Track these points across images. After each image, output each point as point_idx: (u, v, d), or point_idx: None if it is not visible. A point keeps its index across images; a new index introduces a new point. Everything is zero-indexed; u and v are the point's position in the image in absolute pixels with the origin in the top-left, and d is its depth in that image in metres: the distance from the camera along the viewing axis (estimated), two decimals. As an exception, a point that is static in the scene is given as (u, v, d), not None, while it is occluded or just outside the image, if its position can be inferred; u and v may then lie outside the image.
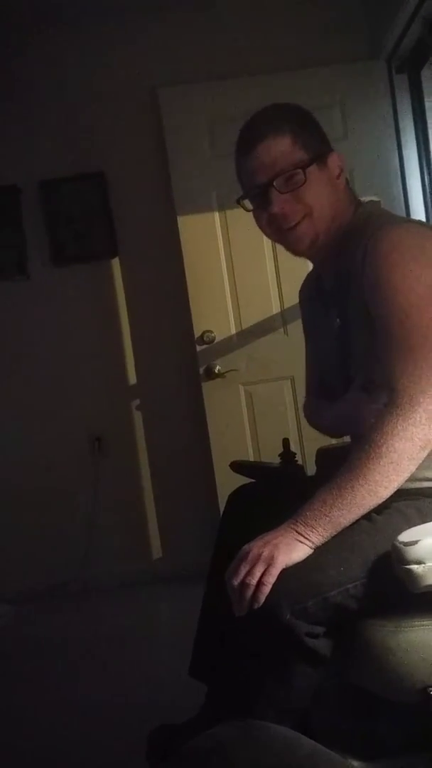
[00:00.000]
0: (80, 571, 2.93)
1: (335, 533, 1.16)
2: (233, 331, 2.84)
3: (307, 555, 1.15)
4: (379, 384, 1.25)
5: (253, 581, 1.11)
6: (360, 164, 2.73)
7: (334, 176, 1.34)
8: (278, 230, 1.35)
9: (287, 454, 1.74)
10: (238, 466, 1.77)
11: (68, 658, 2.39)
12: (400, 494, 1.21)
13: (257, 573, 1.12)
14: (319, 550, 1.16)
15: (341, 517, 1.15)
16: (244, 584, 1.12)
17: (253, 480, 1.69)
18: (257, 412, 2.86)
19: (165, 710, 1.65)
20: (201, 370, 2.84)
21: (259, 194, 1.32)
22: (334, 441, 1.79)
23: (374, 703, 1.19)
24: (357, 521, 1.19)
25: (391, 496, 1.19)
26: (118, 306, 3.01)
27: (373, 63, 2.78)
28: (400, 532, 1.15)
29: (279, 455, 1.74)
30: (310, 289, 1.53)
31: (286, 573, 1.13)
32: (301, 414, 2.80)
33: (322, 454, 1.73)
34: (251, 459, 2.78)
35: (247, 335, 2.85)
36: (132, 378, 3.04)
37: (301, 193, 1.30)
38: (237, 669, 1.23)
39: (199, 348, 2.83)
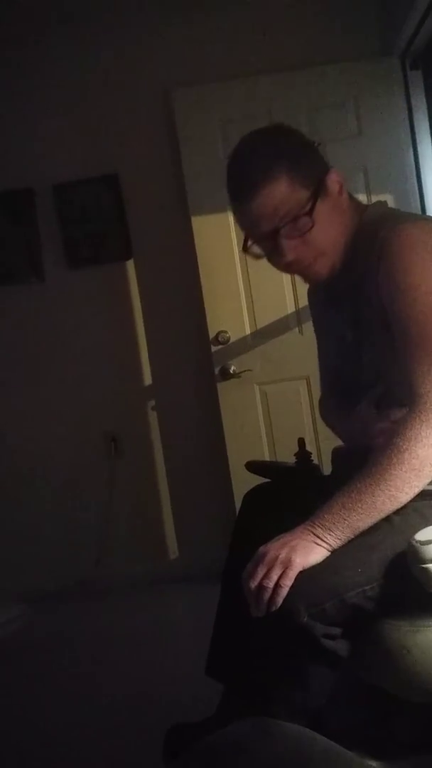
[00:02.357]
0: (96, 571, 2.94)
1: (353, 536, 1.15)
2: (248, 331, 2.83)
3: (324, 557, 1.14)
4: (390, 398, 1.24)
5: (271, 584, 1.11)
6: (374, 162, 2.72)
7: (336, 196, 1.29)
8: (296, 270, 1.33)
9: (303, 454, 1.73)
10: (253, 466, 1.76)
11: (84, 657, 2.40)
12: (419, 495, 1.20)
13: (274, 576, 1.11)
14: (336, 552, 1.15)
15: (360, 522, 1.14)
16: (261, 587, 1.12)
17: (268, 480, 1.69)
18: (272, 411, 2.86)
19: (181, 710, 1.65)
20: (216, 371, 2.83)
21: (266, 240, 1.29)
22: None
23: (390, 703, 1.18)
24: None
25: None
26: (132, 307, 3.02)
27: (387, 59, 2.76)
28: (417, 532, 1.14)
29: (294, 455, 1.74)
30: (320, 290, 1.52)
31: (304, 575, 1.12)
32: (317, 413, 2.80)
33: (338, 454, 1.72)
34: (266, 459, 2.78)
35: (262, 335, 2.84)
36: (147, 379, 3.05)
37: (312, 235, 1.26)
38: (253, 669, 1.23)
39: (213, 348, 2.82)
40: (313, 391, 2.84)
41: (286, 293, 2.82)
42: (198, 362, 2.93)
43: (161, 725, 1.56)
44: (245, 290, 2.82)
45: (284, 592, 1.11)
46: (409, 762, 1.14)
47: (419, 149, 2.79)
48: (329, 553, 1.14)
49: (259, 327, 2.84)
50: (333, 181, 1.29)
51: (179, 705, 1.85)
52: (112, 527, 2.98)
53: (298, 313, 2.82)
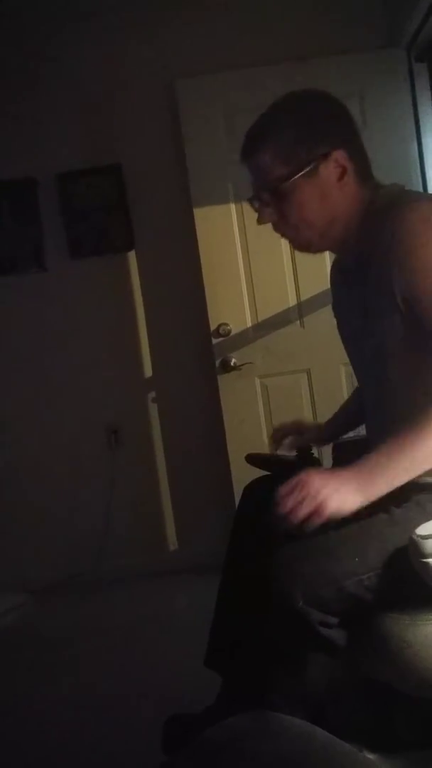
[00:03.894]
0: (96, 563, 2.95)
1: (388, 491, 1.14)
2: (249, 323, 2.83)
3: (356, 508, 1.13)
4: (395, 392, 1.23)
5: (296, 520, 1.10)
6: (378, 154, 2.68)
7: (334, 180, 1.30)
8: (279, 233, 1.39)
9: (303, 448, 1.73)
10: (253, 459, 1.76)
11: (84, 648, 2.41)
12: (421, 488, 1.20)
13: (304, 511, 1.10)
14: (334, 539, 1.15)
15: (399, 475, 1.14)
16: (291, 511, 1.11)
17: (267, 473, 1.69)
18: (273, 404, 2.85)
19: (180, 701, 1.66)
20: (217, 363, 2.83)
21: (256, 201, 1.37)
22: (350, 433, 1.77)
23: (390, 696, 1.18)
24: (375, 513, 1.18)
25: (412, 489, 1.18)
26: (134, 298, 3.02)
27: (393, 52, 2.74)
28: (417, 525, 1.14)
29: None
30: (335, 271, 1.52)
31: (300, 559, 1.13)
32: (318, 406, 2.81)
33: (339, 447, 1.72)
34: (267, 452, 2.77)
35: (263, 328, 2.83)
36: (148, 370, 3.05)
37: (283, 207, 1.31)
38: (251, 657, 1.23)
39: (215, 341, 2.82)
40: (314, 384, 2.84)
41: (288, 286, 2.81)
42: (199, 354, 2.93)
43: (160, 715, 1.57)
44: (247, 282, 2.81)
45: (309, 528, 1.10)
46: (408, 756, 1.15)
47: (423, 142, 2.78)
48: (362, 504, 1.13)
49: (260, 319, 2.83)
50: (330, 165, 1.30)
51: (178, 695, 1.86)
52: (112, 518, 2.98)
53: (299, 305, 2.82)
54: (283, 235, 1.39)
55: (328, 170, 1.30)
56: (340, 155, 1.30)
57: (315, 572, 1.13)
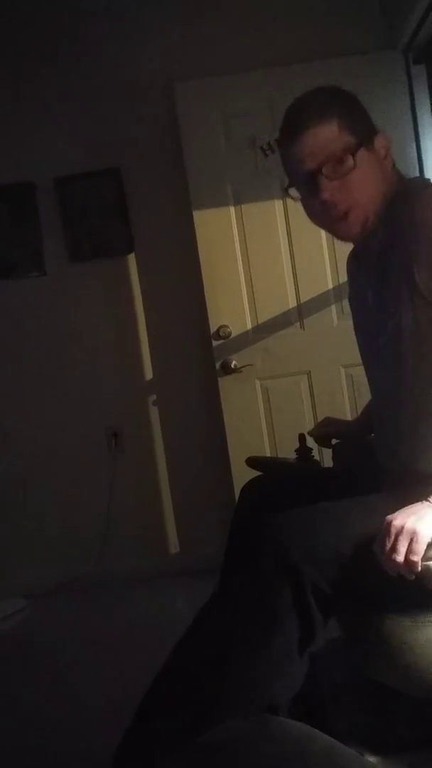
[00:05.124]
0: (97, 565, 2.95)
1: None
2: (249, 325, 2.83)
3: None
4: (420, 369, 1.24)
5: (400, 558, 1.10)
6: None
7: (381, 157, 1.33)
8: (329, 218, 1.32)
9: (303, 450, 1.74)
10: (254, 462, 1.76)
11: (84, 651, 2.41)
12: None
13: (402, 549, 1.10)
14: (337, 506, 1.18)
15: None
16: (390, 560, 1.11)
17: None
18: (273, 407, 2.85)
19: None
20: (217, 365, 2.83)
21: (307, 182, 1.30)
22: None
23: (391, 699, 1.18)
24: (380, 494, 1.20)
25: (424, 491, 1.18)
26: (134, 302, 3.02)
27: (390, 54, 2.74)
28: None
29: (295, 450, 1.74)
30: (352, 258, 1.51)
31: (300, 518, 1.15)
32: (318, 408, 2.81)
33: (339, 449, 1.72)
34: (267, 454, 2.78)
35: (264, 330, 2.83)
36: (148, 373, 3.05)
37: (351, 179, 1.27)
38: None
39: (215, 343, 2.82)
40: (315, 386, 2.84)
41: (288, 288, 2.82)
42: (199, 357, 2.93)
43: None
44: (246, 285, 2.82)
45: (417, 565, 1.09)
46: (410, 758, 1.14)
47: (422, 144, 2.78)
48: None
49: (260, 322, 2.83)
50: (380, 142, 1.33)
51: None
52: (113, 522, 2.98)
53: (299, 307, 2.82)
54: (334, 217, 1.30)
55: (379, 146, 1.33)
56: (383, 135, 1.34)
57: (313, 529, 1.14)
